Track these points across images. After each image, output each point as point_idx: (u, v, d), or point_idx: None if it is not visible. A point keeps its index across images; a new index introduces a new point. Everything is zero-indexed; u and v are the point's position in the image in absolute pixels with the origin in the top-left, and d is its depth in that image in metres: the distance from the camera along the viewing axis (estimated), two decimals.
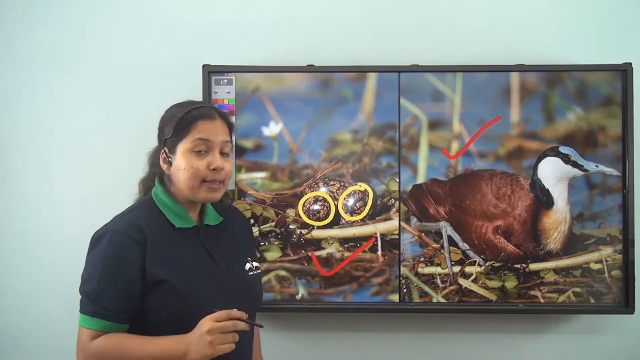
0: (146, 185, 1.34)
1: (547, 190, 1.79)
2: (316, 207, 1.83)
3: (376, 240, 1.83)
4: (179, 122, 1.24)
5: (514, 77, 1.82)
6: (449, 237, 1.82)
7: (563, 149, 1.80)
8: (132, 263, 1.18)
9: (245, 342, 1.30)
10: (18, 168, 1.96)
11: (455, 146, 1.83)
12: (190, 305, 1.15)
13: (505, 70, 1.82)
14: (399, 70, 1.83)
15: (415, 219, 1.83)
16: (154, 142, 1.33)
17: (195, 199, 1.25)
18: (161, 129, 1.29)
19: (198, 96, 1.79)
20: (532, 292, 1.80)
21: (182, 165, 1.22)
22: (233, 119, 1.84)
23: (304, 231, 1.83)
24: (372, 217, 1.83)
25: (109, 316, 1.15)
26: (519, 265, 1.80)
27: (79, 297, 1.19)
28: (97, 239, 1.20)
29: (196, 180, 1.22)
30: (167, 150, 1.25)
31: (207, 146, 1.24)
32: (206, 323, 1.11)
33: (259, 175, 1.85)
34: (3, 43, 1.96)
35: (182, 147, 1.23)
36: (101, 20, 1.95)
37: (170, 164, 1.25)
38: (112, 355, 1.13)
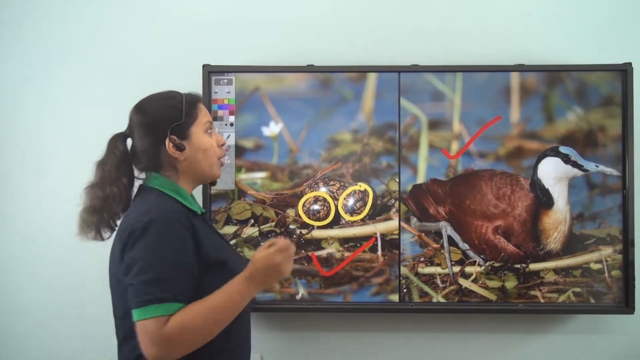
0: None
1: (547, 190, 1.79)
2: (316, 207, 1.83)
3: (376, 240, 1.83)
4: (188, 106, 1.28)
5: (514, 77, 1.82)
6: (449, 237, 1.82)
7: (563, 149, 1.80)
8: (187, 245, 1.18)
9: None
10: (19, 167, 1.96)
11: (455, 146, 1.83)
12: None
13: (505, 70, 1.82)
14: (399, 70, 1.83)
15: (415, 219, 1.83)
16: None
17: (212, 177, 1.34)
18: (158, 119, 1.27)
19: None
20: (532, 292, 1.80)
21: (202, 145, 1.28)
22: (233, 119, 1.84)
23: (304, 231, 1.83)
24: (372, 217, 1.83)
25: (176, 299, 1.11)
26: (519, 265, 1.80)
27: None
28: (144, 229, 1.15)
29: (215, 157, 1.32)
30: (176, 138, 1.26)
31: (211, 126, 1.34)
32: (276, 256, 1.15)
33: (259, 175, 1.85)
34: (2, 43, 1.97)
35: (196, 129, 1.28)
36: (101, 20, 1.96)
37: (181, 150, 1.26)
38: (193, 323, 1.10)
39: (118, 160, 1.29)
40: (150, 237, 1.14)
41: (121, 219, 1.29)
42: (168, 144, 1.26)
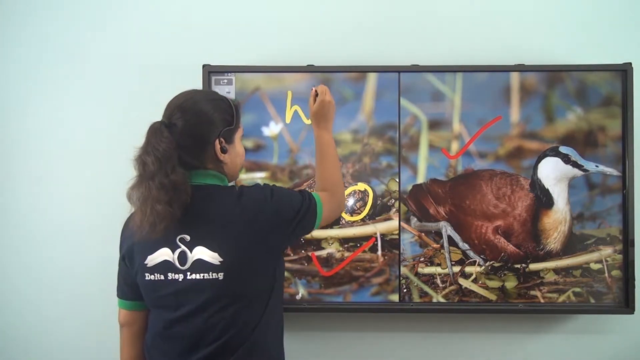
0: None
1: (547, 190, 1.79)
2: None
3: (376, 240, 1.83)
4: (237, 112, 1.33)
5: (514, 77, 1.82)
6: (449, 237, 1.82)
7: (563, 149, 1.80)
8: None
9: None
10: (19, 167, 1.96)
11: (455, 146, 1.83)
12: None
13: (505, 70, 1.82)
14: (399, 70, 1.83)
15: (415, 219, 1.83)
16: None
17: (234, 180, 1.42)
18: (215, 121, 1.27)
19: None
20: (532, 292, 1.80)
21: (241, 151, 1.37)
22: None
23: None
24: (372, 217, 1.83)
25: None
26: (519, 265, 1.80)
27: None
28: (273, 191, 1.30)
29: (242, 164, 1.40)
30: (224, 140, 1.29)
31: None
32: (326, 96, 1.50)
33: (259, 175, 1.85)
34: (4, 44, 1.97)
35: (238, 135, 1.34)
36: (101, 21, 1.96)
37: (224, 153, 1.29)
38: (334, 176, 1.46)
39: (169, 148, 1.21)
40: (280, 190, 1.33)
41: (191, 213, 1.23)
42: (217, 146, 1.28)
